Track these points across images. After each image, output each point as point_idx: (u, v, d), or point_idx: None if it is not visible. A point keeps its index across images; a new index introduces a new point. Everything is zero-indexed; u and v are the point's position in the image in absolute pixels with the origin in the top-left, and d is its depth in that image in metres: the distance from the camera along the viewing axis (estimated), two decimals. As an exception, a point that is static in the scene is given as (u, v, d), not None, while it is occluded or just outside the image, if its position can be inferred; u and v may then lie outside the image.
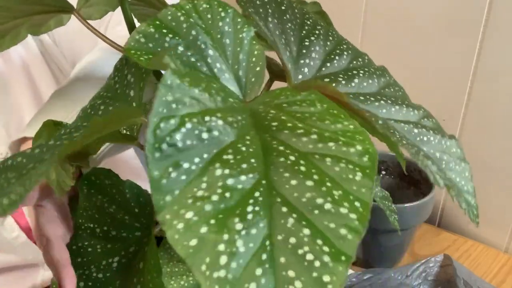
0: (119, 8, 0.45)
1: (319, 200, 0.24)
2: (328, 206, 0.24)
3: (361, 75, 0.45)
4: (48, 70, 0.82)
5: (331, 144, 0.27)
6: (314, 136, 0.28)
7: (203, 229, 0.23)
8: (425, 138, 0.41)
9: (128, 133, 0.50)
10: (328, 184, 0.25)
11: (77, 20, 0.49)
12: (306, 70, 0.43)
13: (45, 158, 0.36)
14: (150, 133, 0.25)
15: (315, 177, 0.25)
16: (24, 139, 0.60)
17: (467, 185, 0.41)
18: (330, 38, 0.47)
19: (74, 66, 0.81)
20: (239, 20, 0.38)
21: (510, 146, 0.86)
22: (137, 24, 0.45)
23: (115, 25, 0.75)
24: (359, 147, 0.27)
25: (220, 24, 0.38)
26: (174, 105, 0.26)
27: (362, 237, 0.23)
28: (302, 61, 0.43)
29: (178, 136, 0.25)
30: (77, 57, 0.80)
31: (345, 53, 0.46)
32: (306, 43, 0.45)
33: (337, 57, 0.45)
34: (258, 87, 0.37)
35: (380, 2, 0.94)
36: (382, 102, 0.42)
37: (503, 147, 0.87)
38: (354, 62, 0.46)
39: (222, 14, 0.38)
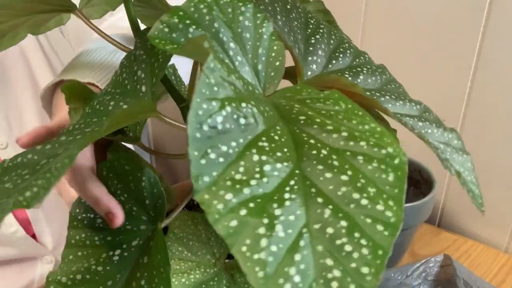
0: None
1: (355, 195, 0.25)
2: (364, 201, 0.24)
3: (364, 72, 0.46)
4: (46, 61, 0.81)
5: (362, 143, 0.28)
6: (344, 134, 0.29)
7: (243, 211, 0.23)
8: (429, 131, 0.43)
9: (131, 134, 0.49)
10: (362, 180, 0.26)
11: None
12: (314, 67, 0.44)
13: (59, 153, 0.35)
14: (193, 113, 0.25)
15: (349, 172, 0.26)
16: (60, 82, 0.58)
17: (470, 175, 0.42)
18: (333, 36, 0.48)
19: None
20: (258, 15, 0.39)
21: (510, 146, 0.86)
22: (141, 25, 0.46)
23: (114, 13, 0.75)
24: (390, 149, 0.27)
25: (241, 18, 0.38)
26: (216, 88, 0.26)
27: (398, 234, 0.23)
28: (310, 58, 0.44)
29: (219, 119, 0.25)
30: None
31: (348, 51, 0.47)
32: (312, 41, 0.46)
33: (341, 55, 0.47)
34: (277, 82, 0.37)
35: (380, 2, 0.94)
36: (387, 97, 0.44)
37: (503, 147, 0.87)
38: (357, 60, 0.48)
39: (243, 8, 0.38)
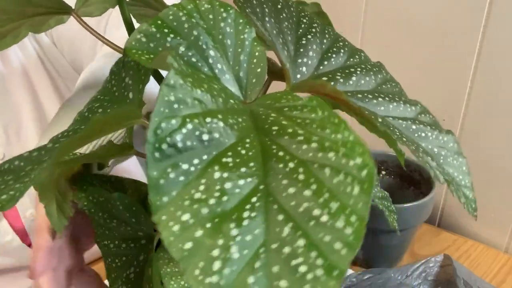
0: (118, 11, 0.45)
1: (316, 212, 0.24)
2: (324, 218, 0.24)
3: (358, 72, 0.45)
4: (45, 73, 0.82)
5: (331, 154, 0.27)
6: (314, 145, 0.28)
7: (199, 233, 0.23)
8: (423, 134, 0.42)
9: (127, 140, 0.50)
10: (326, 195, 0.25)
11: (76, 20, 0.49)
12: (304, 69, 0.43)
13: (44, 160, 0.36)
14: (150, 132, 0.25)
15: (313, 186, 0.25)
16: None
17: (464, 179, 0.41)
18: (327, 36, 0.47)
19: (74, 65, 0.82)
20: (240, 21, 0.38)
21: (510, 146, 0.86)
22: (136, 24, 0.45)
23: (114, 30, 0.75)
24: (358, 160, 0.27)
25: (222, 24, 0.38)
26: (176, 105, 0.26)
27: (356, 253, 0.23)
28: (300, 60, 0.43)
29: (178, 137, 0.25)
30: (77, 56, 0.80)
31: (342, 50, 0.46)
32: (303, 42, 0.45)
33: (334, 55, 0.46)
34: (258, 88, 0.37)
35: (380, 2, 0.94)
36: (380, 99, 0.43)
37: (503, 147, 0.87)
38: (351, 59, 0.47)
39: (224, 14, 0.38)
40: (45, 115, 0.82)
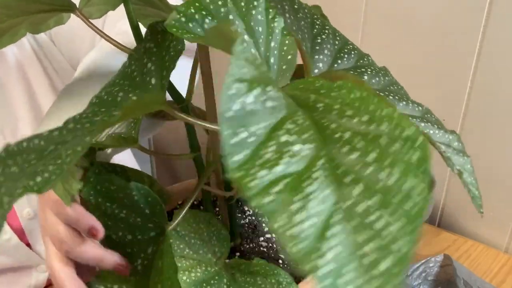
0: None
1: (382, 174, 0.25)
2: (392, 180, 0.25)
3: (369, 72, 0.47)
4: (42, 71, 0.80)
5: (383, 126, 0.28)
6: (365, 118, 0.29)
7: (276, 188, 0.24)
8: (431, 132, 0.44)
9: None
10: (388, 160, 0.26)
11: (75, 18, 0.49)
12: (320, 65, 0.45)
13: (67, 140, 0.35)
14: (224, 92, 0.25)
15: (374, 153, 0.26)
16: None
17: (470, 177, 0.43)
18: (338, 38, 0.49)
19: (72, 63, 0.80)
20: (270, 10, 0.39)
21: (510, 146, 0.87)
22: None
23: (115, 21, 0.75)
24: (411, 130, 0.28)
25: (254, 12, 0.39)
26: (245, 69, 0.26)
27: (427, 214, 0.24)
28: (316, 57, 0.45)
29: (249, 99, 0.26)
30: (76, 55, 0.79)
31: (352, 52, 0.48)
32: (318, 41, 0.46)
33: (346, 56, 0.47)
34: (289, 75, 0.38)
35: (380, 2, 0.95)
36: (390, 97, 0.45)
37: (503, 147, 0.88)
38: (361, 61, 0.49)
39: (255, 3, 0.39)
40: (41, 114, 0.80)
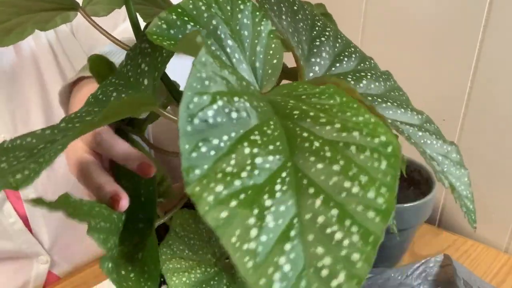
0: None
1: (347, 184, 0.25)
2: (355, 190, 0.24)
3: (368, 77, 0.46)
4: (55, 64, 0.82)
5: (355, 133, 0.28)
6: (337, 125, 0.29)
7: (233, 203, 0.23)
8: (428, 141, 0.42)
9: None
10: (355, 169, 0.25)
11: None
12: (316, 68, 0.44)
13: (57, 139, 0.36)
14: (183, 106, 0.25)
15: (341, 162, 0.26)
16: (78, 80, 0.60)
17: (466, 190, 0.42)
18: (339, 40, 0.48)
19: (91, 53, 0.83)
20: (257, 13, 0.39)
21: (510, 146, 0.86)
22: (142, 23, 0.46)
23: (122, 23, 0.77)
24: (383, 138, 0.27)
25: (239, 16, 0.38)
26: (207, 82, 0.26)
27: (388, 221, 0.23)
28: (313, 60, 0.44)
29: (210, 112, 0.26)
30: (94, 49, 0.80)
31: (353, 55, 0.47)
32: (317, 43, 0.46)
33: (345, 59, 0.47)
34: (274, 79, 0.38)
35: (380, 2, 0.94)
36: (388, 104, 0.44)
37: (503, 147, 0.87)
38: (362, 64, 0.48)
39: (241, 6, 0.39)
40: (51, 107, 0.82)
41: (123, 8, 0.68)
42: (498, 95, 0.85)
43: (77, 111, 0.41)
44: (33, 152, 0.35)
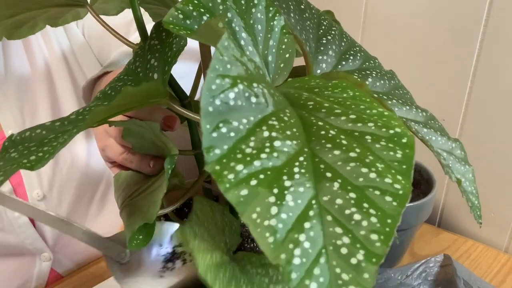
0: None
1: (364, 170, 0.25)
2: (373, 175, 0.25)
3: (373, 75, 0.47)
4: (67, 72, 0.83)
5: (370, 124, 0.28)
6: (352, 116, 0.29)
7: (253, 182, 0.24)
8: (433, 138, 0.43)
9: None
10: (371, 157, 0.26)
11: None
12: (323, 66, 0.45)
13: (68, 130, 0.36)
14: (206, 87, 0.25)
15: (357, 150, 0.26)
16: (102, 76, 0.62)
17: (471, 186, 0.43)
18: (344, 39, 0.49)
19: (101, 56, 0.83)
20: (271, 8, 0.39)
21: (510, 146, 0.86)
22: (149, 22, 0.47)
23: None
24: (397, 129, 0.28)
25: (253, 10, 0.39)
26: (228, 66, 0.27)
27: (405, 207, 0.24)
28: (320, 57, 0.45)
29: (231, 95, 0.26)
30: (105, 53, 0.81)
31: (358, 55, 0.48)
32: (323, 41, 0.46)
33: (351, 57, 0.47)
34: (286, 73, 0.38)
35: (380, 2, 0.95)
36: (394, 101, 0.44)
37: (503, 147, 0.87)
38: (366, 63, 0.48)
39: (255, 1, 0.39)
40: (58, 103, 0.83)
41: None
42: (498, 95, 0.85)
43: (86, 106, 0.42)
44: (44, 142, 0.35)
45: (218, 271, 0.41)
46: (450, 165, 0.44)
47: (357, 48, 0.49)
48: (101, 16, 0.50)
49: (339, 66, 0.46)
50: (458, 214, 0.97)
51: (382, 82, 0.47)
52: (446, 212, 0.98)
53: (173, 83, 0.45)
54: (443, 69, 0.90)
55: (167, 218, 0.59)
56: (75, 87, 0.84)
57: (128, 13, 0.81)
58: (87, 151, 0.84)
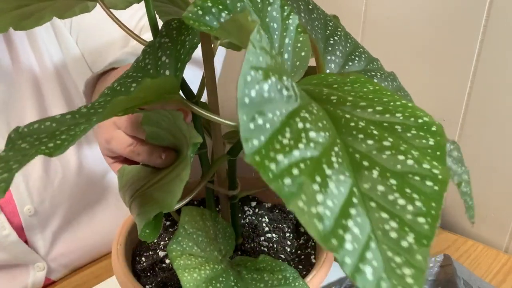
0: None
1: (400, 157, 0.25)
2: (410, 162, 0.25)
3: (378, 76, 0.48)
4: (58, 86, 0.81)
5: (398, 115, 0.29)
6: (379, 108, 0.29)
7: (295, 171, 0.24)
8: None
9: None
10: (404, 145, 0.26)
11: (100, 12, 0.50)
12: (332, 66, 0.45)
13: (80, 122, 0.36)
14: (241, 79, 0.25)
15: (390, 139, 0.27)
16: (104, 73, 0.62)
17: (466, 187, 0.44)
18: (349, 40, 0.49)
19: (92, 58, 0.82)
20: (286, 7, 0.40)
21: (510, 146, 0.87)
22: (159, 21, 0.47)
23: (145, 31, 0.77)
24: (425, 119, 0.28)
25: (269, 9, 0.39)
26: (261, 58, 0.27)
27: (446, 190, 0.24)
28: (328, 57, 0.45)
29: (265, 87, 0.26)
30: (102, 58, 0.80)
31: (363, 56, 0.49)
32: (331, 42, 0.47)
33: (356, 58, 0.48)
34: (302, 71, 0.38)
35: (380, 2, 0.95)
36: (397, 102, 0.45)
37: (503, 147, 0.88)
38: (370, 64, 0.49)
39: (271, 0, 0.40)
40: (47, 113, 0.81)
41: (139, 19, 0.68)
42: (498, 95, 0.85)
43: (95, 101, 0.41)
44: (55, 133, 0.35)
45: (207, 288, 0.42)
46: (450, 166, 0.44)
47: (361, 49, 0.50)
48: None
49: (346, 67, 0.47)
50: (458, 214, 0.97)
51: (385, 83, 0.48)
52: (446, 212, 0.99)
53: (182, 82, 0.46)
54: (443, 69, 0.90)
55: (168, 217, 0.59)
56: (65, 98, 0.83)
57: (133, 17, 0.80)
58: (78, 162, 0.83)
